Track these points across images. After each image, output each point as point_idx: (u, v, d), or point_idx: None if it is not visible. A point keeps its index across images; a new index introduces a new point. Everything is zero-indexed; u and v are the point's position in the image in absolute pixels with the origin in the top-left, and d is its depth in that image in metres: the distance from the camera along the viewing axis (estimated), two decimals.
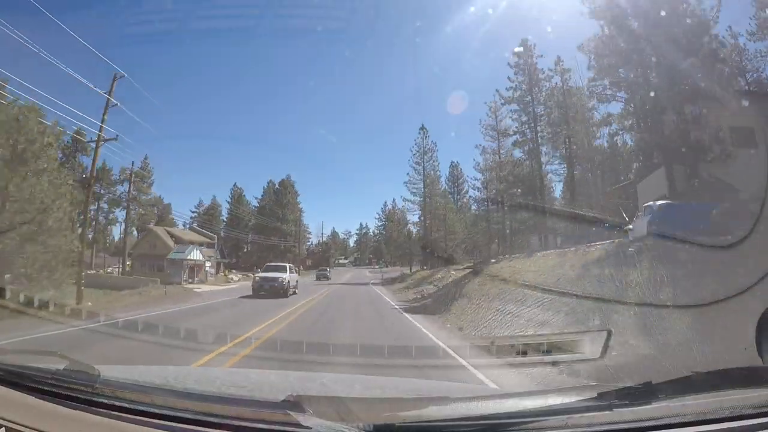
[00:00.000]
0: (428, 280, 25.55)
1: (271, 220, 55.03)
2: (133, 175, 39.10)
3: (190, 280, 36.05)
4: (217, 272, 45.19)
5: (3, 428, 1.29)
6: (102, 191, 43.36)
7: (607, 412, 1.21)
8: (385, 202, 69.72)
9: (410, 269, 46.59)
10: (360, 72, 69.70)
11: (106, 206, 45.28)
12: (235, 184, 60.55)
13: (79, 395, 1.42)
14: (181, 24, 29.28)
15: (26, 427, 1.28)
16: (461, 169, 50.30)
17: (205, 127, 72.00)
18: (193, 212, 59.76)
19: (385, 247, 70.22)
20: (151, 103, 64.23)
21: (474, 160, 44.27)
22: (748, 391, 1.31)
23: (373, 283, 34.85)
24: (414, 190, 45.36)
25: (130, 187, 40.03)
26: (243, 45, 75.84)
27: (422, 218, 46.42)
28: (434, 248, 42.54)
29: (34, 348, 5.52)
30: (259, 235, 55.18)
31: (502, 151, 37.17)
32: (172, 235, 40.36)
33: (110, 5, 44.38)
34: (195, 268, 38.68)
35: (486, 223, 43.51)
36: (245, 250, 59.88)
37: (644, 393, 1.27)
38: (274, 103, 75.57)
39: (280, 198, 58.95)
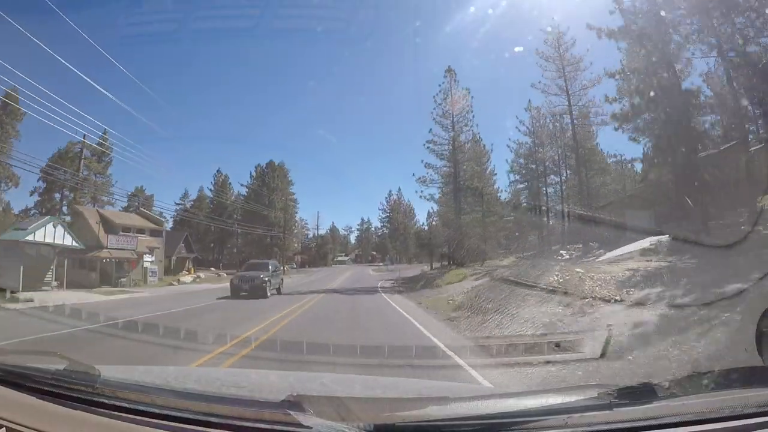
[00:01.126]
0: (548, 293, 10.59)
1: (257, 207, 49.43)
2: (83, 150, 33.22)
3: (56, 283, 23.08)
4: (182, 269, 38.87)
5: (3, 428, 1.30)
6: (66, 176, 38.63)
7: (607, 412, 1.24)
8: (390, 191, 65.17)
9: (431, 266, 36.73)
10: (360, 70, 69.83)
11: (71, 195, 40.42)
12: (218, 170, 55.49)
13: (79, 395, 1.47)
14: (180, 24, 29.13)
15: (26, 427, 1.30)
16: (484, 145, 39.54)
17: (202, 124, 71.78)
18: (178, 204, 55.63)
19: (389, 242, 65.36)
20: (149, 97, 64.01)
21: (517, 118, 35.41)
22: (748, 391, 1.32)
23: (383, 290, 23.70)
24: (441, 153, 32.40)
25: (81, 163, 34.08)
26: (239, 42, 75.89)
27: (447, 194, 33.30)
28: (466, 236, 30.36)
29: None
30: (243, 225, 49.72)
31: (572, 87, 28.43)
32: (105, 220, 31.40)
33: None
34: (125, 264, 29.16)
35: (536, 203, 34.08)
36: (238, 243, 56.31)
37: (644, 393, 1.29)
38: (274, 101, 75.72)
39: (268, 181, 52.18)
